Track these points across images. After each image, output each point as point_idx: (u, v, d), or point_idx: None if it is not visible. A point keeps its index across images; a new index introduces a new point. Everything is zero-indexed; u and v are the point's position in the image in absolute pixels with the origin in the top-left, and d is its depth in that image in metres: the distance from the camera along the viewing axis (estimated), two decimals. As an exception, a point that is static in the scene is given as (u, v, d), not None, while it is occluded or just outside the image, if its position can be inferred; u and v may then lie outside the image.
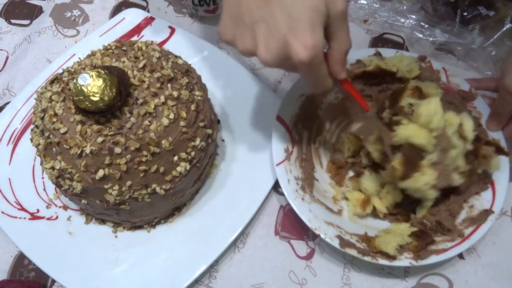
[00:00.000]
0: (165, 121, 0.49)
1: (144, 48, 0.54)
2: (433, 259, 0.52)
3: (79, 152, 0.47)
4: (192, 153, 0.51)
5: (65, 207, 0.59)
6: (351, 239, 0.54)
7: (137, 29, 0.71)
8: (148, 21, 0.72)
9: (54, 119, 0.48)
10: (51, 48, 0.73)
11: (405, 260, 0.52)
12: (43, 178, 0.60)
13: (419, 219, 0.55)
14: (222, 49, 0.71)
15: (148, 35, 0.71)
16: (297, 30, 0.39)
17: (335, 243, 0.53)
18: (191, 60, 0.59)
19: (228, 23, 0.44)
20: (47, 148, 0.49)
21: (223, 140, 0.64)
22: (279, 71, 0.71)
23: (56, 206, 0.59)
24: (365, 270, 0.57)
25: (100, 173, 0.47)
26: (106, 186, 0.48)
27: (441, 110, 0.50)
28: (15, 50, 0.73)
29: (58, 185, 0.51)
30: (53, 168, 0.49)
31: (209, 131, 0.54)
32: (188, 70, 0.55)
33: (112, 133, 0.47)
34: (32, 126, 0.53)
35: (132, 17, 0.72)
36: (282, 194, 0.57)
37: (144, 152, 0.48)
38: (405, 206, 0.58)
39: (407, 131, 0.50)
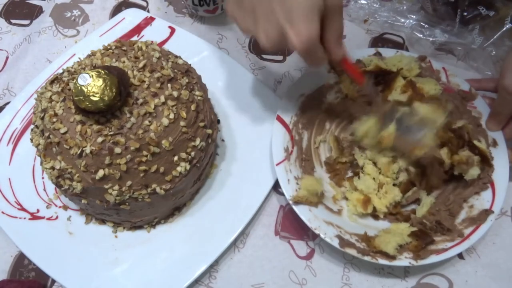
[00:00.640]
0: (165, 121, 0.49)
1: (144, 48, 0.54)
2: (432, 259, 0.52)
3: (79, 152, 0.47)
4: (192, 153, 0.51)
5: (65, 207, 0.59)
6: (350, 239, 0.54)
7: (137, 29, 0.71)
8: (148, 21, 0.72)
9: (54, 119, 0.48)
10: (51, 48, 0.73)
11: (404, 260, 0.52)
12: (43, 178, 0.60)
13: (419, 219, 0.55)
14: (222, 49, 0.72)
15: (148, 35, 0.71)
16: (294, 21, 0.42)
17: (335, 242, 0.53)
18: (191, 60, 0.59)
19: (232, 3, 0.48)
20: (47, 148, 0.49)
21: (223, 140, 0.64)
22: (279, 71, 0.71)
23: (56, 206, 0.59)
24: (365, 270, 0.57)
25: (100, 173, 0.47)
26: (106, 186, 0.48)
27: (375, 128, 0.56)
28: (15, 50, 0.73)
29: (58, 185, 0.51)
30: (53, 168, 0.49)
31: (209, 131, 0.54)
32: (188, 70, 0.55)
33: (112, 133, 0.47)
34: (32, 126, 0.53)
35: (132, 17, 0.72)
36: (282, 194, 0.57)
37: (144, 152, 0.48)
38: (405, 206, 0.58)
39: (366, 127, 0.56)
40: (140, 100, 0.49)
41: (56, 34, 0.75)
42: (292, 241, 0.59)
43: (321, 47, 0.46)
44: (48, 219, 0.58)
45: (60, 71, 0.56)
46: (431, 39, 0.72)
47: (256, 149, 0.62)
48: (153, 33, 0.70)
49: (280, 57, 0.72)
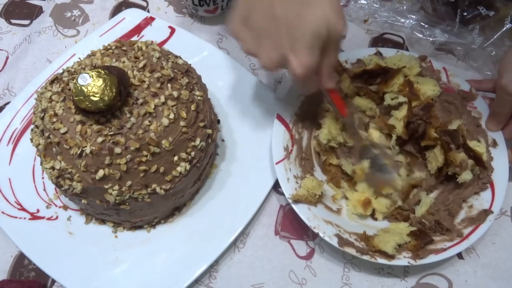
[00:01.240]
0: (165, 121, 0.49)
1: (144, 48, 0.54)
2: (431, 258, 0.52)
3: (79, 152, 0.47)
4: (192, 153, 0.51)
5: (65, 207, 0.59)
6: (350, 238, 0.54)
7: (137, 29, 0.71)
8: (148, 21, 0.72)
9: (54, 119, 0.48)
10: (51, 48, 0.73)
11: (403, 260, 0.52)
12: (43, 178, 0.60)
13: (418, 219, 0.55)
14: (222, 49, 0.72)
15: (148, 35, 0.71)
16: (297, 50, 0.44)
17: (334, 241, 0.53)
18: (191, 60, 0.59)
19: (237, 23, 0.48)
20: (47, 148, 0.49)
21: (223, 140, 0.64)
22: (279, 71, 0.71)
23: (56, 206, 0.59)
24: (365, 270, 0.57)
25: (100, 173, 0.47)
26: (106, 186, 0.48)
27: (335, 127, 0.58)
28: (15, 50, 0.73)
29: (58, 185, 0.51)
30: (53, 168, 0.49)
31: (209, 131, 0.54)
32: (188, 70, 0.55)
33: (112, 133, 0.47)
34: (32, 126, 0.53)
35: (132, 17, 0.72)
36: (282, 194, 0.57)
37: (144, 152, 0.48)
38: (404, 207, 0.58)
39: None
40: (140, 100, 0.49)
41: (56, 34, 0.75)
42: (292, 241, 0.59)
43: (314, 76, 0.49)
44: (48, 219, 0.58)
45: (60, 71, 0.56)
46: (431, 39, 0.72)
47: (256, 149, 0.62)
48: (153, 33, 0.70)
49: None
